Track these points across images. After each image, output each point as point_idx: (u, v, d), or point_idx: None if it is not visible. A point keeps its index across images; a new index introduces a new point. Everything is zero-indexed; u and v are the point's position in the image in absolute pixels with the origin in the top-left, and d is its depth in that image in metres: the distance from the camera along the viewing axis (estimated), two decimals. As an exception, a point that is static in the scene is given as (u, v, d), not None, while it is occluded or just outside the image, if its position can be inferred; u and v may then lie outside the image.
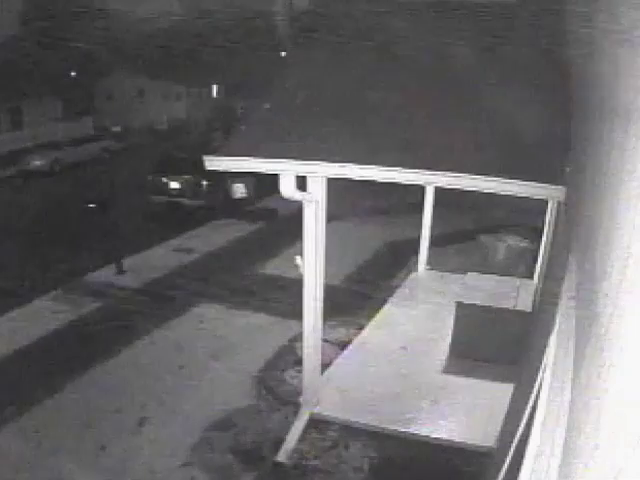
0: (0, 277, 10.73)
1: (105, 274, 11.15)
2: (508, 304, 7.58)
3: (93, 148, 22.86)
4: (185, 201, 15.36)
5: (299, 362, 6.96)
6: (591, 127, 2.87)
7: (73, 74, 29.92)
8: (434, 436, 6.23)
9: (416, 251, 10.83)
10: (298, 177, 5.44)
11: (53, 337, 8.63)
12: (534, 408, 2.96)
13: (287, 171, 5.31)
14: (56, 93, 27.89)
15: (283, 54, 29.08)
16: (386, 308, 9.39)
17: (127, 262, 11.42)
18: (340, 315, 8.84)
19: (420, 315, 9.01)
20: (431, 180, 5.52)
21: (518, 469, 2.74)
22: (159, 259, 12.14)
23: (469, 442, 6.05)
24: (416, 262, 10.90)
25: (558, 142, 4.54)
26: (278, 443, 6.22)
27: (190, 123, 29.75)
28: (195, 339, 8.62)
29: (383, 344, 8.15)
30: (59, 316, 9.28)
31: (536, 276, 9.18)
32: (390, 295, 9.90)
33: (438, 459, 5.96)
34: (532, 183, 4.49)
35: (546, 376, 2.82)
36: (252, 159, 5.25)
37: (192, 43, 27.17)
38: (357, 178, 5.13)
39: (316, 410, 6.60)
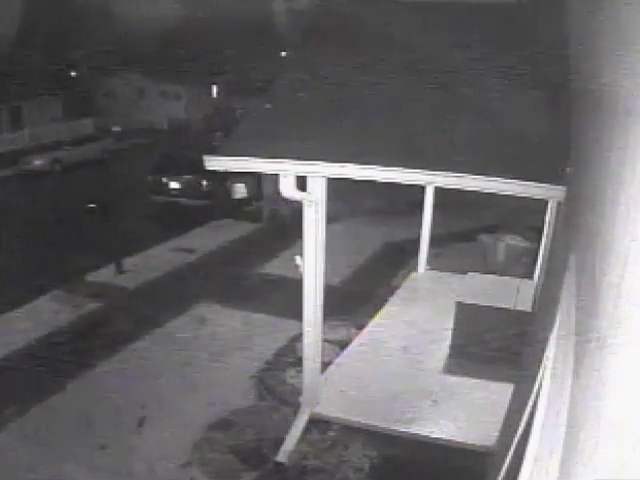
0: (0, 277, 10.73)
1: (105, 274, 11.16)
2: (508, 304, 7.58)
3: (93, 148, 22.84)
4: (185, 201, 15.35)
5: (299, 362, 6.96)
6: (591, 127, 2.87)
7: (73, 74, 29.93)
8: (434, 436, 6.24)
9: (416, 251, 10.83)
10: (298, 177, 5.44)
11: (53, 337, 8.64)
12: (534, 408, 2.96)
13: (287, 171, 5.31)
14: (56, 93, 27.89)
15: (283, 54, 29.04)
16: (386, 308, 9.39)
17: (127, 262, 11.42)
18: (340, 315, 8.84)
19: (420, 315, 9.01)
20: (431, 180, 5.52)
21: (518, 469, 2.74)
22: (159, 259, 12.13)
23: (469, 442, 6.05)
24: (416, 262, 10.90)
25: (558, 142, 4.54)
26: (278, 443, 6.22)
27: (190, 123, 29.71)
28: (195, 339, 8.62)
29: (383, 344, 8.15)
30: (59, 316, 9.29)
31: (536, 276, 9.18)
32: (390, 295, 9.90)
33: (438, 459, 5.96)
34: (532, 183, 4.49)
35: (546, 376, 2.82)
36: (252, 159, 5.25)
37: (192, 43, 27.18)
38: (357, 178, 5.13)
39: (316, 410, 6.60)
